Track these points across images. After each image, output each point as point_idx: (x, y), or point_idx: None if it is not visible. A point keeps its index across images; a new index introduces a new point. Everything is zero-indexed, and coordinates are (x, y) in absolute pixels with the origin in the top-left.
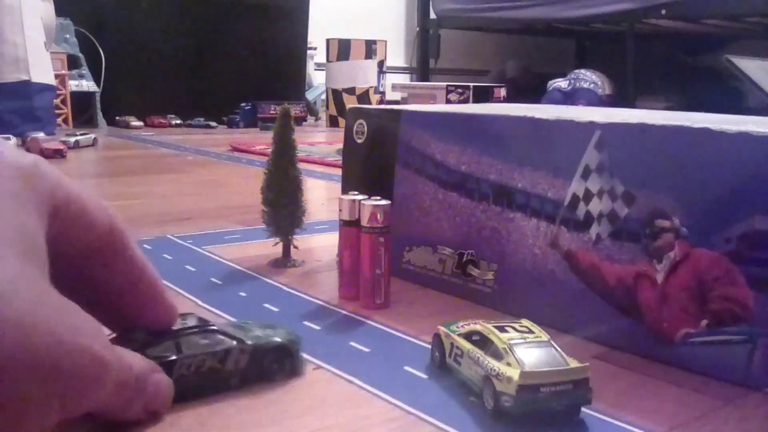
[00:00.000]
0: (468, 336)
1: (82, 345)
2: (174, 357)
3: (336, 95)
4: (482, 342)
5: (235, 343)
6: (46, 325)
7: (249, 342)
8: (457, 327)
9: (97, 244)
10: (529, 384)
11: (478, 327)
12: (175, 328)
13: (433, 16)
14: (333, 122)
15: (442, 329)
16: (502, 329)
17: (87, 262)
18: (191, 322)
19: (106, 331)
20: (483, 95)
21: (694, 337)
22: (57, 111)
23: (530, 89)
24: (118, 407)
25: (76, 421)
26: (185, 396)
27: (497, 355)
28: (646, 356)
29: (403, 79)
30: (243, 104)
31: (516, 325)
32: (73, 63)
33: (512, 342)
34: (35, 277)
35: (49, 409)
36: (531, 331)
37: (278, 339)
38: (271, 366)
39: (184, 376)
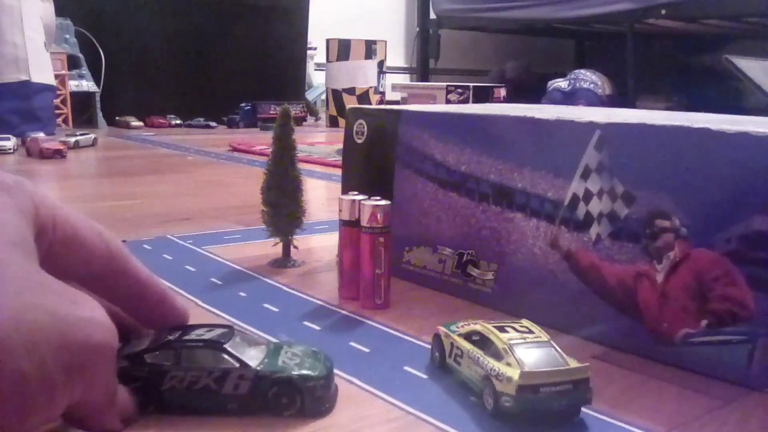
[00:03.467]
0: (468, 336)
1: (82, 316)
2: (167, 366)
3: (336, 95)
4: (482, 342)
5: (237, 366)
6: (39, 302)
7: (255, 368)
8: (457, 327)
9: (97, 272)
10: (529, 384)
11: (478, 327)
12: (186, 337)
13: (433, 16)
14: (333, 122)
15: (442, 329)
16: (502, 329)
17: (88, 287)
18: (214, 333)
19: None
20: (483, 95)
21: (694, 337)
22: (57, 111)
23: (530, 89)
24: (104, 402)
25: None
26: (173, 409)
27: (497, 355)
28: (646, 356)
29: (403, 79)
30: (243, 104)
31: (516, 325)
32: (73, 63)
33: (512, 342)
34: (22, 262)
35: (65, 383)
36: (531, 331)
37: (293, 372)
38: (277, 399)
39: (175, 389)
